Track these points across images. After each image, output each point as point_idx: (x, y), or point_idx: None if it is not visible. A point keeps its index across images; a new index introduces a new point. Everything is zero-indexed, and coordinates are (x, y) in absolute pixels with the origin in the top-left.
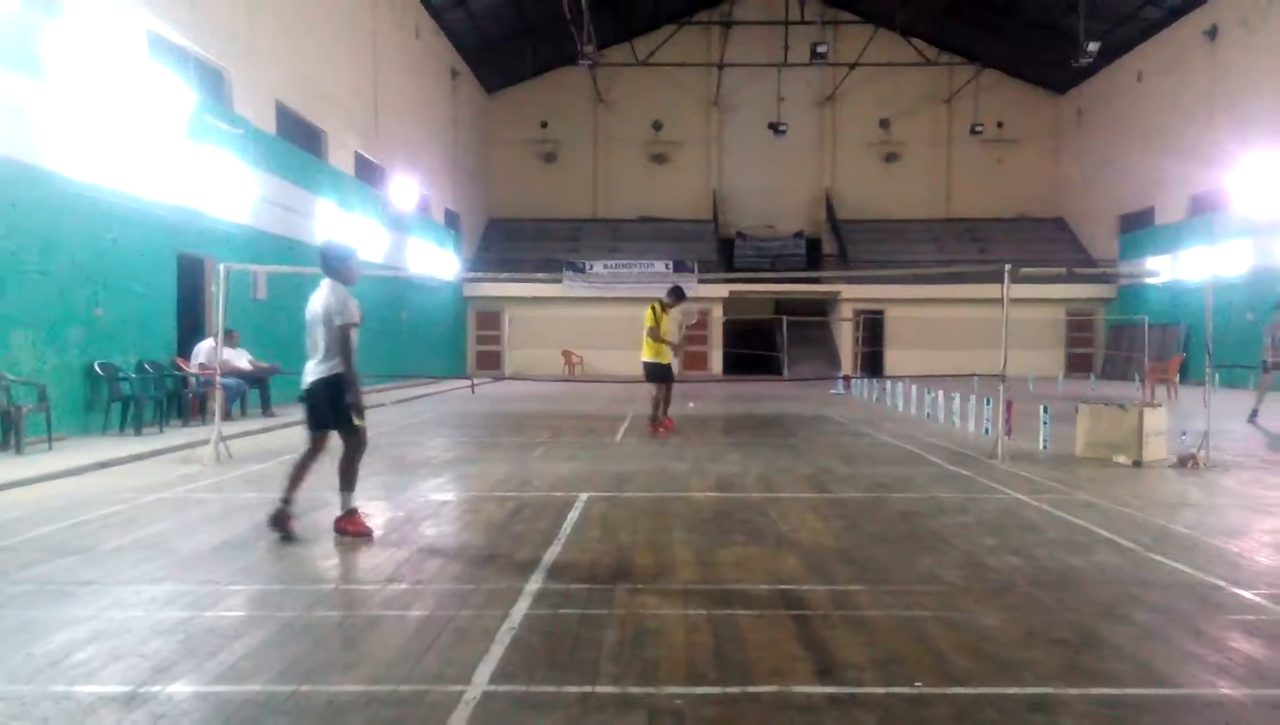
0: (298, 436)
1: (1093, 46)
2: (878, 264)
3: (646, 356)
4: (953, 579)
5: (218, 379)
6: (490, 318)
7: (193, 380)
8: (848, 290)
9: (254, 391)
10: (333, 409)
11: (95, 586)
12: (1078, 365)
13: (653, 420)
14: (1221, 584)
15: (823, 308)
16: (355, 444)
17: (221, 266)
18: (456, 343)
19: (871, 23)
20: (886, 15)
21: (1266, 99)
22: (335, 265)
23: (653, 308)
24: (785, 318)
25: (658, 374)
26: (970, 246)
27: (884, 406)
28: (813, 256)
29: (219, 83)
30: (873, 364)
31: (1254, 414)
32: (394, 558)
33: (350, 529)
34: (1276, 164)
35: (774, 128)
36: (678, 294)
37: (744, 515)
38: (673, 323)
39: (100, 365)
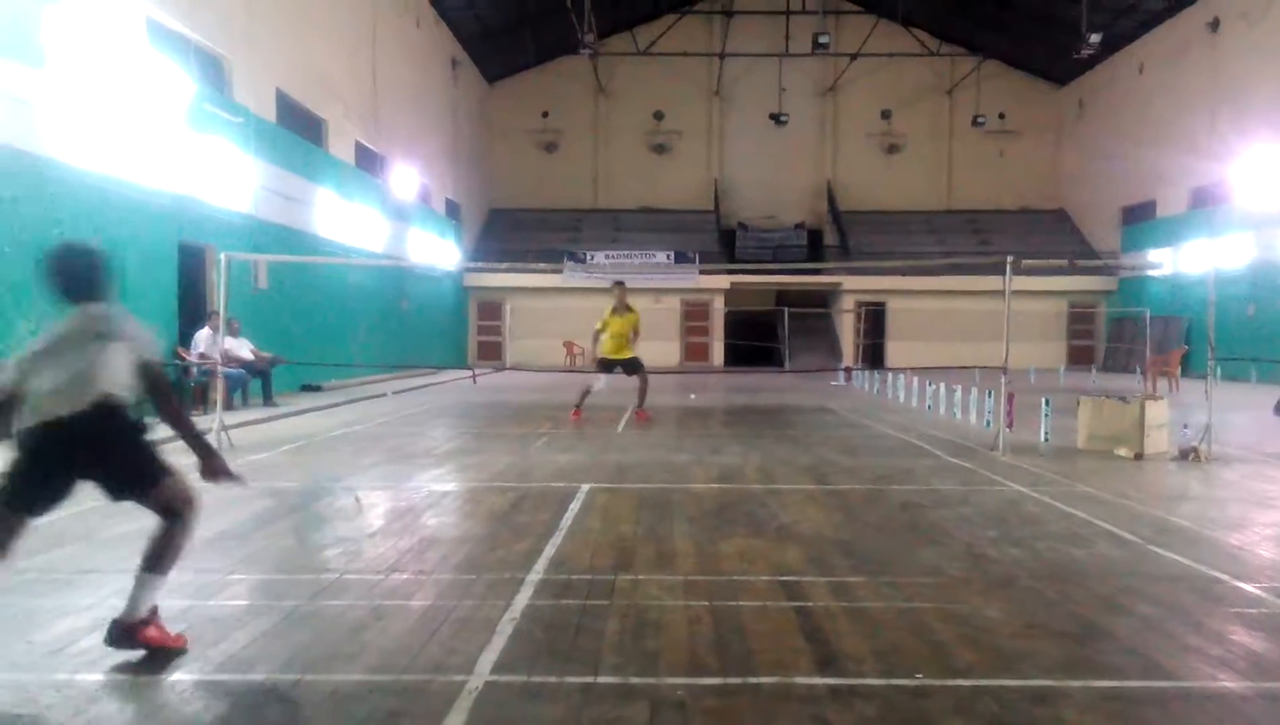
0: (299, 426)
1: (1094, 38)
2: (879, 255)
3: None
4: (954, 571)
5: (219, 368)
6: (491, 308)
7: (194, 369)
8: (849, 282)
9: (256, 381)
10: (118, 444)
11: (97, 574)
12: (1079, 358)
13: (577, 407)
14: (1223, 577)
15: (824, 299)
16: (178, 515)
17: (222, 255)
18: (457, 333)
19: (873, 13)
20: (888, 6)
21: (1268, 92)
22: (91, 279)
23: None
24: (786, 309)
25: (603, 365)
26: (971, 238)
27: (885, 398)
28: (814, 248)
29: (219, 71)
30: (874, 356)
31: None
32: (396, 548)
33: (153, 638)
34: (1278, 157)
35: (775, 118)
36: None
37: (745, 507)
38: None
39: None
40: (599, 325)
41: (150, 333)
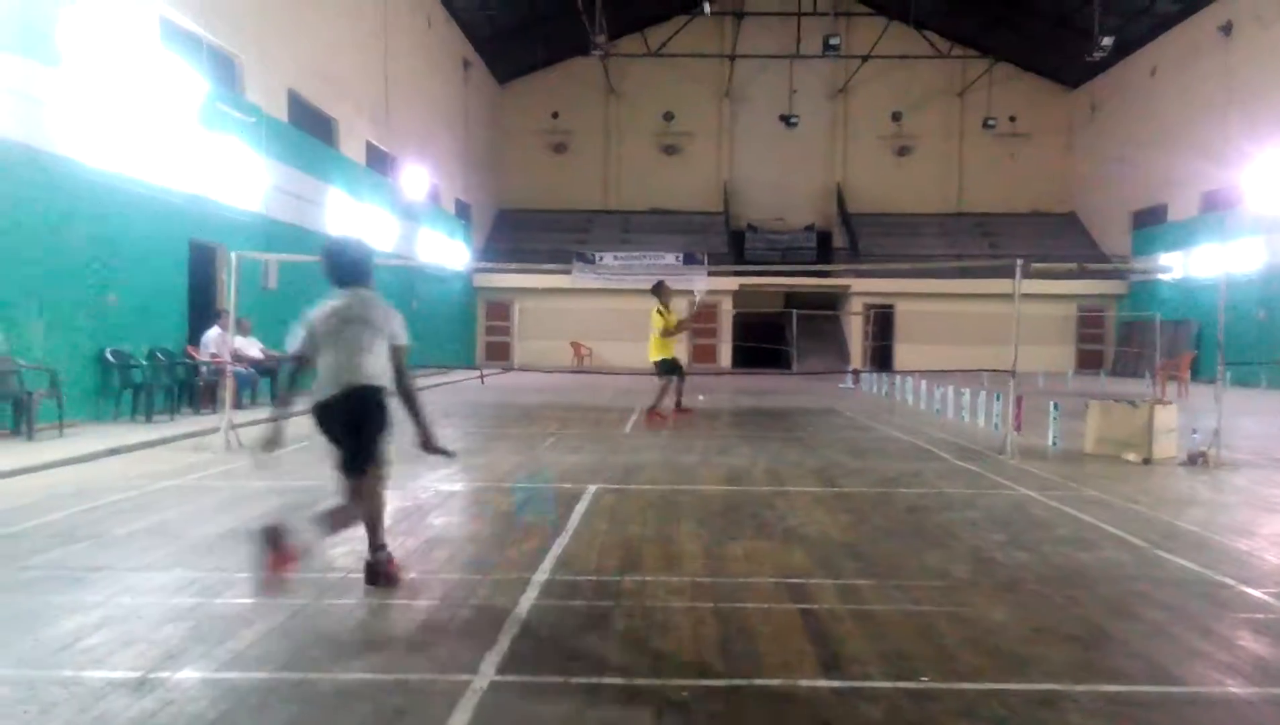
0: (309, 425)
1: (1106, 41)
2: (888, 258)
3: (656, 356)
4: (960, 574)
5: (228, 367)
6: (500, 308)
7: (204, 368)
8: (858, 284)
9: (265, 380)
10: (360, 429)
11: (106, 572)
12: (1088, 362)
13: (653, 409)
14: (1230, 582)
15: (833, 301)
16: (354, 503)
17: (233, 255)
18: (466, 333)
19: (884, 15)
20: (900, 7)
21: None
22: (362, 267)
23: (658, 311)
24: (795, 311)
25: (670, 368)
26: (981, 241)
27: (893, 401)
28: (823, 250)
29: (231, 70)
30: (882, 358)
31: None
32: (403, 547)
33: (277, 569)
34: None
35: (785, 120)
36: (657, 289)
37: (752, 508)
38: (682, 309)
39: (112, 352)
40: (665, 324)
41: (401, 318)
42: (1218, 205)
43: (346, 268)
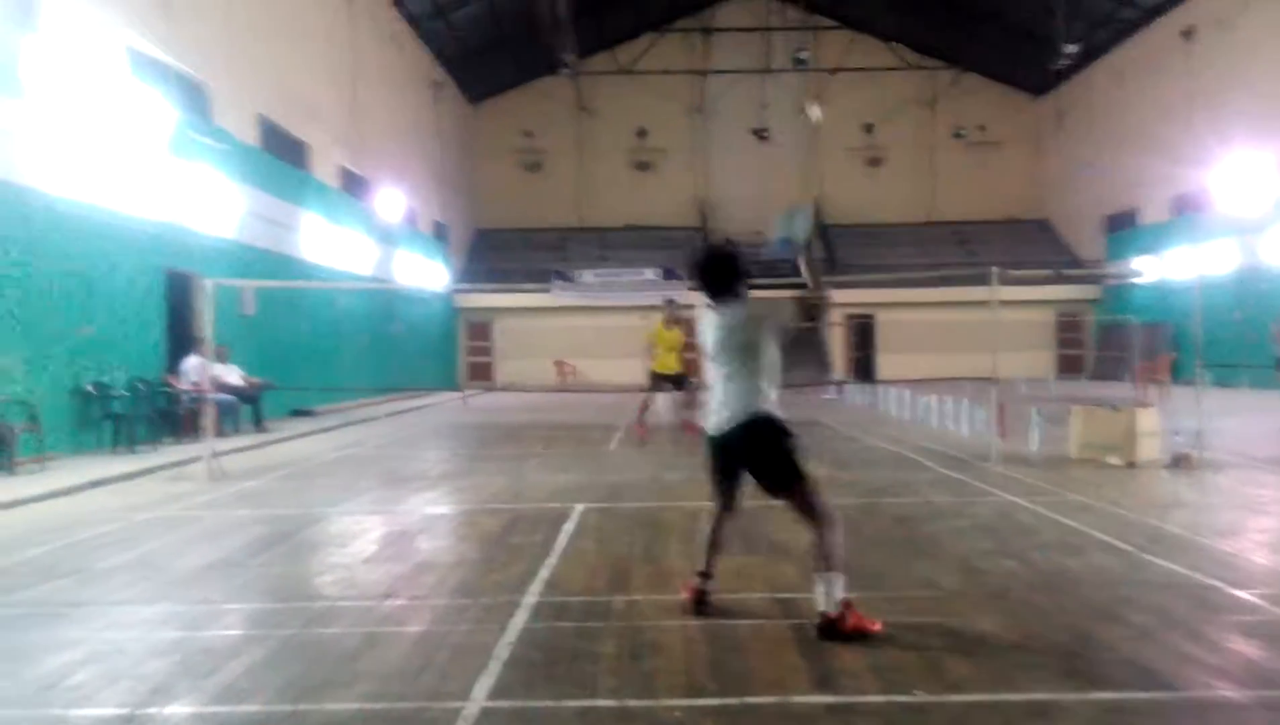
0: (291, 452)
1: (1070, 49)
2: (866, 268)
3: (659, 368)
4: (949, 584)
5: (209, 396)
6: (481, 329)
7: (184, 397)
8: (837, 295)
9: (246, 407)
10: (762, 460)
11: (90, 608)
12: (1069, 366)
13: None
14: (1217, 584)
15: (813, 313)
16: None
17: (209, 282)
18: (448, 354)
19: (852, 28)
20: (868, 21)
21: (1244, 97)
22: (731, 275)
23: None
24: None
25: (668, 381)
26: (957, 249)
27: (876, 411)
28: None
29: (201, 97)
30: (864, 368)
31: None
32: (390, 573)
33: (854, 625)
34: (1257, 162)
35: (758, 134)
36: (668, 305)
37: (739, 524)
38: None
39: (92, 384)
40: (647, 337)
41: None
42: (1188, 207)
43: (712, 276)
